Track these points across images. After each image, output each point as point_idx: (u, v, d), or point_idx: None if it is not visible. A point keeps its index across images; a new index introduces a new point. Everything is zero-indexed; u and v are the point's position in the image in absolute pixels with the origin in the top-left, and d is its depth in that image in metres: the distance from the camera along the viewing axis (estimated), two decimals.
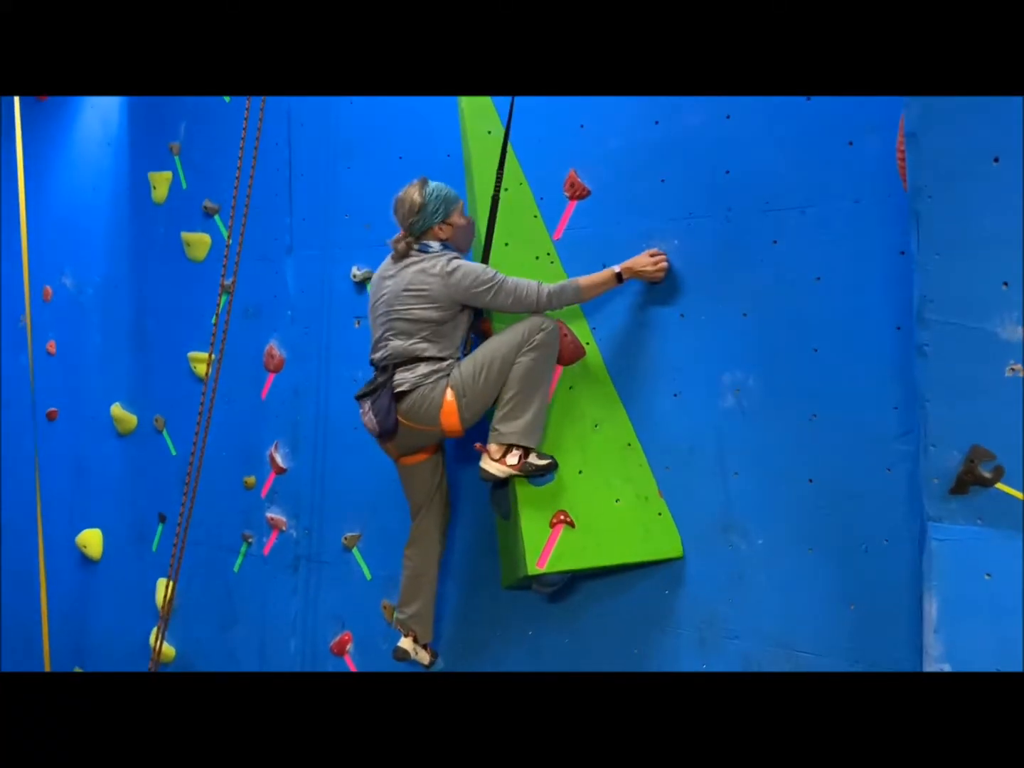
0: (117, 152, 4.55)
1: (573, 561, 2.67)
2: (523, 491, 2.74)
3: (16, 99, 4.72)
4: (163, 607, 3.77)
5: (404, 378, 2.70)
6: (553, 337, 2.70)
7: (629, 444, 2.80)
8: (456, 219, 2.79)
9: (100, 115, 4.65)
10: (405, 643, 2.99)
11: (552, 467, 2.70)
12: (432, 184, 2.78)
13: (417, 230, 2.76)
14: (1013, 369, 1.87)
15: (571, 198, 2.94)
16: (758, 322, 2.59)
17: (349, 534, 3.56)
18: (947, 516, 2.03)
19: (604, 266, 2.80)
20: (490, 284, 2.65)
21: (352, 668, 3.54)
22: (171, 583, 3.63)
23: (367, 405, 2.77)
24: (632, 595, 2.82)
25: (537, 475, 2.69)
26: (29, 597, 4.91)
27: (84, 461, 4.69)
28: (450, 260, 2.69)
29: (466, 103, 3.02)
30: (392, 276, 2.79)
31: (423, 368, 2.70)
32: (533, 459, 2.66)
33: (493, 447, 2.66)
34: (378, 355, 2.83)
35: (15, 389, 5.12)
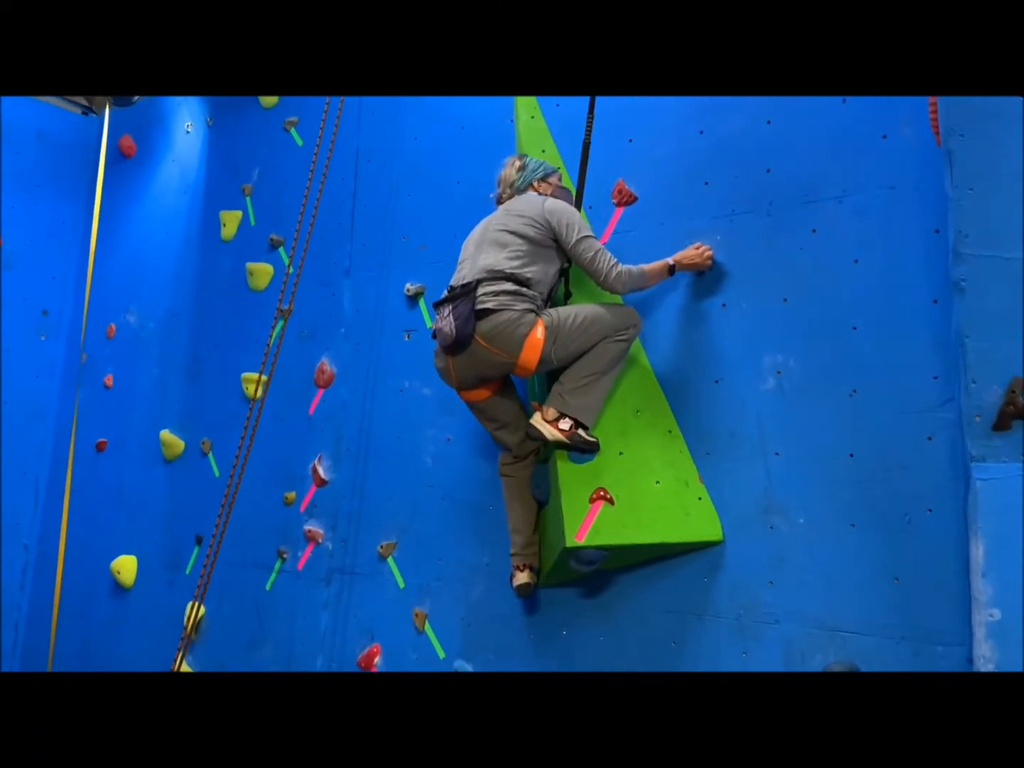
0: (192, 198, 4.89)
1: (611, 536, 2.66)
2: (564, 468, 2.77)
3: (101, 158, 5.15)
4: (187, 629, 3.75)
5: (489, 297, 2.66)
6: (635, 336, 2.80)
7: (670, 431, 2.84)
8: (554, 181, 2.96)
9: (180, 167, 5.03)
10: (526, 577, 2.91)
11: (596, 447, 2.74)
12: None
13: (519, 186, 2.92)
14: None
15: (618, 205, 3.12)
16: (798, 306, 2.68)
17: (385, 543, 3.57)
18: (990, 454, 2.03)
19: None
20: (580, 227, 2.73)
21: None
22: (197, 605, 3.63)
23: (447, 310, 2.73)
24: (669, 584, 2.79)
25: (581, 449, 2.72)
26: (59, 617, 4.89)
27: (126, 488, 4.77)
28: (548, 198, 2.85)
29: (520, 105, 3.31)
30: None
31: (509, 287, 2.67)
32: (582, 433, 2.71)
33: (551, 411, 2.71)
34: (462, 273, 2.82)
35: (68, 423, 5.29)
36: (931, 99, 2.19)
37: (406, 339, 3.71)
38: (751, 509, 2.67)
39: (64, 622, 4.86)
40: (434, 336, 2.83)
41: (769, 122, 2.82)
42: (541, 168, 2.93)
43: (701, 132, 2.96)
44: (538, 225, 2.74)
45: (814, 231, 2.68)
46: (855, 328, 2.56)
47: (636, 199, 3.08)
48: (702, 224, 2.91)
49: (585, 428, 2.72)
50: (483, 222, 2.90)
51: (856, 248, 2.59)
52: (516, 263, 2.72)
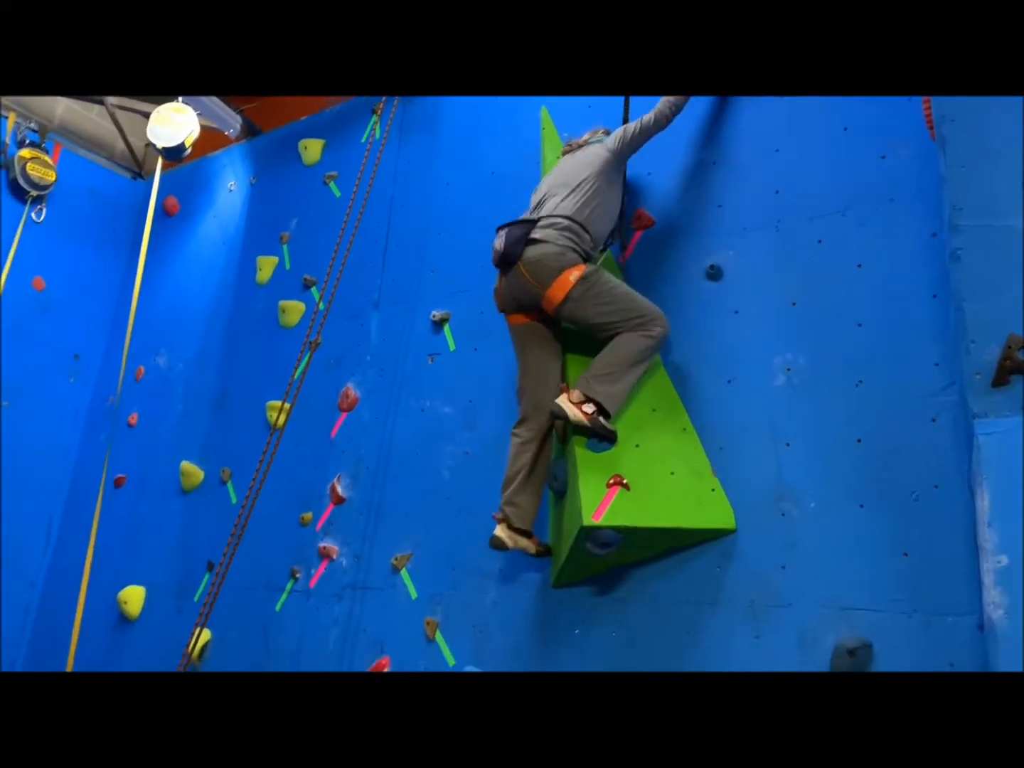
0: (231, 248, 5.18)
1: (627, 518, 2.73)
2: (583, 456, 2.87)
3: (150, 213, 5.47)
4: (187, 653, 3.73)
5: (543, 229, 2.91)
6: (662, 339, 2.91)
7: (684, 428, 2.96)
8: None
9: (220, 223, 5.35)
10: (500, 530, 2.96)
11: (614, 436, 2.86)
12: None
13: (591, 140, 3.23)
14: None
15: (637, 229, 3.35)
16: (806, 309, 2.86)
17: (399, 555, 3.61)
18: (991, 410, 2.15)
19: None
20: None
21: None
22: (200, 629, 3.64)
23: (504, 232, 2.97)
24: (682, 576, 2.84)
25: (599, 435, 2.83)
26: (59, 656, 4.82)
27: (141, 521, 4.82)
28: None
29: (547, 147, 3.60)
30: None
31: (564, 226, 2.91)
32: (603, 420, 2.83)
33: (577, 393, 2.84)
34: (530, 209, 3.08)
35: (87, 463, 5.39)
36: (924, 98, 2.44)
37: (429, 363, 3.88)
38: (763, 498, 2.75)
39: (66, 655, 4.79)
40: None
41: (777, 150, 3.09)
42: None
43: (714, 163, 3.24)
44: (602, 167, 3.01)
45: (820, 242, 2.90)
46: (860, 325, 2.73)
47: (654, 223, 3.32)
48: (715, 242, 3.13)
49: (607, 416, 2.85)
50: (556, 166, 3.18)
51: (859, 254, 2.80)
52: (579, 204, 2.96)
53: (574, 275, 2.86)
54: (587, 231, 2.96)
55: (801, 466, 2.72)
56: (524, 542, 2.99)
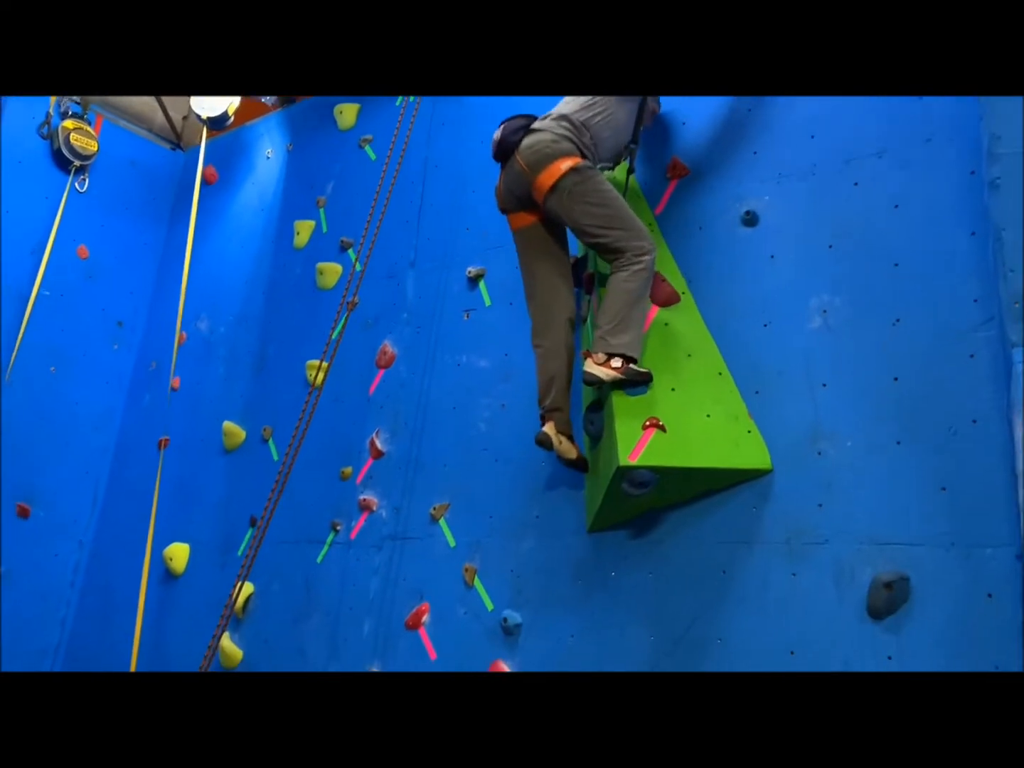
0: (268, 214, 5.26)
1: (663, 458, 2.76)
2: (618, 399, 2.91)
3: (197, 182, 5.56)
4: (227, 607, 3.82)
5: (543, 122, 3.00)
6: (652, 264, 2.92)
7: (720, 373, 2.98)
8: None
9: (259, 189, 5.43)
10: (548, 428, 3.03)
11: (649, 377, 2.89)
12: None
13: None
14: None
15: (672, 178, 3.36)
16: (842, 251, 2.86)
17: (437, 505, 3.68)
18: None
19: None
20: None
21: (425, 640, 3.50)
22: (241, 582, 3.73)
23: (503, 124, 3.05)
24: (717, 517, 2.87)
25: (636, 382, 2.87)
26: (108, 613, 4.98)
27: (185, 480, 4.94)
28: None
29: None
30: None
31: (566, 124, 2.97)
32: (634, 367, 2.87)
33: (600, 355, 2.87)
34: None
35: (131, 426, 5.53)
36: None
37: (465, 319, 3.93)
38: (799, 439, 2.77)
39: (114, 612, 4.95)
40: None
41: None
42: None
43: (749, 110, 3.23)
44: None
45: (856, 184, 2.89)
46: (896, 265, 2.73)
47: (689, 172, 3.32)
48: (751, 188, 3.14)
49: (635, 361, 2.88)
50: None
51: (896, 195, 2.79)
52: (583, 107, 3.02)
53: (566, 164, 2.89)
54: (588, 132, 3.00)
55: (838, 406, 2.73)
56: (567, 445, 3.05)
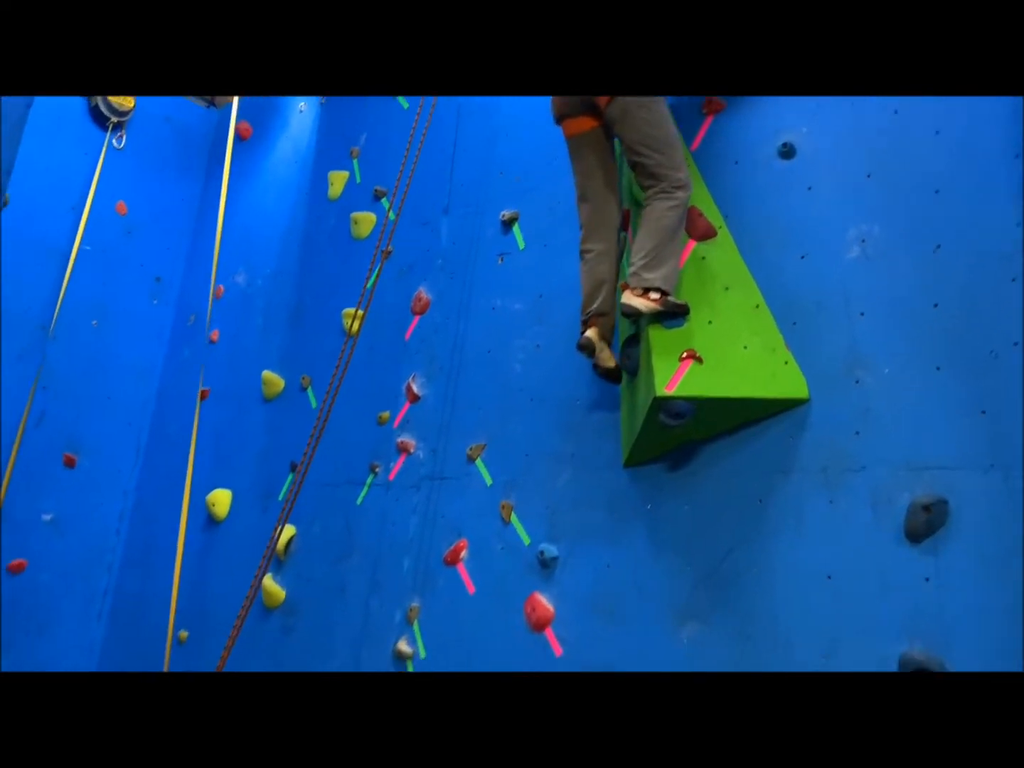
0: (302, 167, 5.30)
1: (700, 388, 2.78)
2: (655, 333, 2.92)
3: (230, 139, 5.60)
4: (268, 549, 3.91)
5: None
6: (686, 202, 2.96)
7: (757, 306, 2.98)
8: None
9: (293, 143, 5.48)
10: (591, 333, 3.05)
11: (686, 309, 2.90)
12: None
13: None
14: None
15: (708, 113, 3.34)
16: (882, 178, 2.83)
17: (474, 445, 3.73)
18: None
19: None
20: None
21: (464, 575, 3.57)
22: (282, 524, 3.82)
23: None
24: (754, 447, 2.88)
25: (674, 313, 2.88)
26: (152, 559, 5.12)
27: (226, 429, 5.05)
28: None
29: None
30: None
31: None
32: (672, 299, 2.88)
33: (637, 289, 2.89)
34: None
35: (171, 379, 5.65)
36: None
37: (499, 262, 3.95)
38: (836, 368, 2.77)
39: (159, 558, 5.10)
40: None
41: None
42: None
43: None
44: None
45: (896, 112, 2.86)
46: (937, 191, 2.69)
47: (724, 106, 3.30)
48: (787, 120, 3.11)
49: (672, 295, 2.89)
50: None
51: (937, 121, 2.75)
52: None
53: None
54: None
55: (876, 334, 2.72)
56: (608, 352, 3.08)
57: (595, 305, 3.07)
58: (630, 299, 2.88)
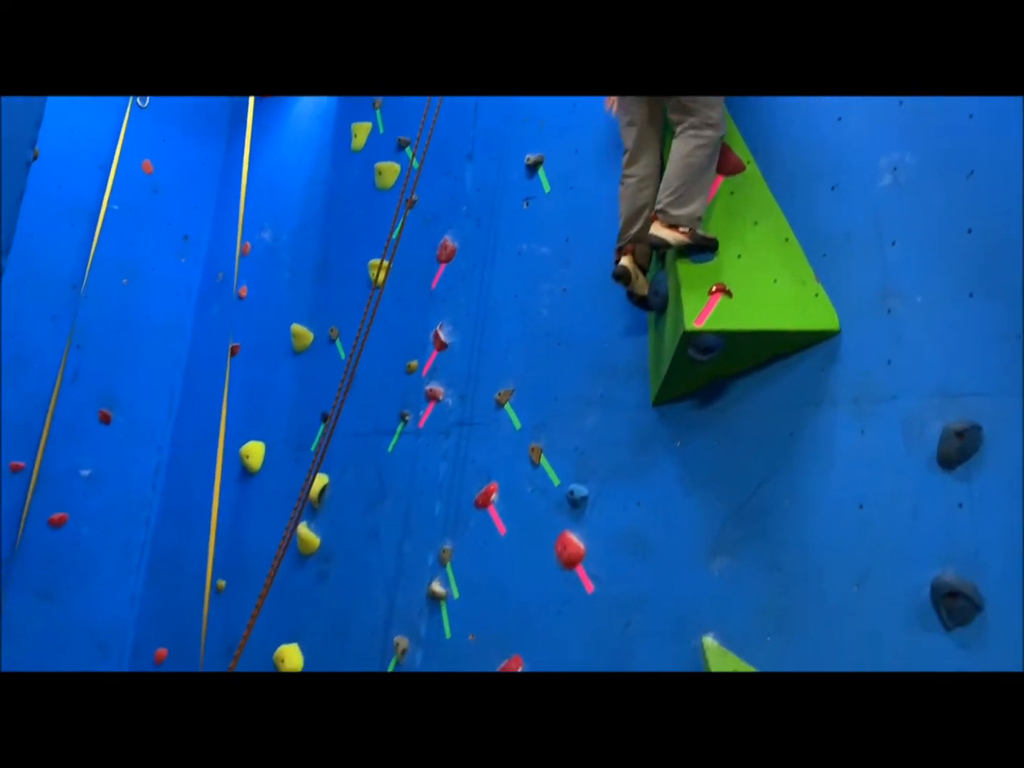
0: (324, 122, 5.30)
1: (730, 322, 2.78)
2: (684, 268, 2.92)
3: (251, 99, 5.61)
4: (301, 497, 3.97)
5: None
6: (717, 143, 2.94)
7: (787, 239, 2.95)
8: None
9: (315, 99, 5.46)
10: (627, 261, 3.05)
11: (715, 244, 2.89)
12: None
13: None
14: None
15: None
16: (913, 105, 2.77)
17: (502, 391, 3.76)
18: None
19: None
20: None
21: (495, 517, 3.62)
22: (313, 473, 3.87)
23: None
24: (784, 381, 2.87)
25: (702, 246, 2.87)
26: (188, 511, 5.23)
27: (258, 383, 5.12)
28: None
29: None
30: None
31: None
32: (701, 232, 2.87)
33: (666, 223, 2.88)
34: None
35: (202, 336, 5.71)
36: None
37: (525, 207, 3.93)
38: (868, 298, 2.74)
39: (194, 510, 5.20)
40: None
41: None
42: None
43: None
44: None
45: None
46: (971, 116, 2.64)
47: None
48: None
49: (700, 230, 2.87)
50: None
51: None
52: None
53: None
54: None
55: (908, 262, 2.68)
56: (643, 280, 3.08)
57: (633, 231, 3.05)
58: (659, 230, 2.87)
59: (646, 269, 3.09)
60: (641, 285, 3.07)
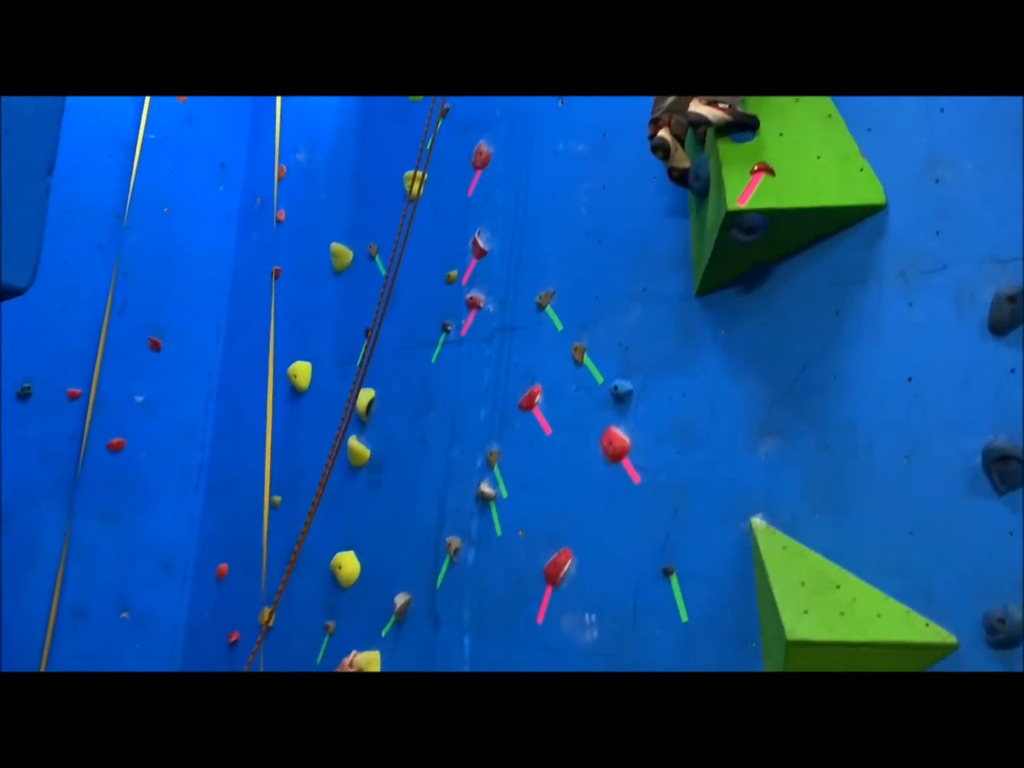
0: None
1: (773, 200, 2.73)
2: (725, 148, 2.86)
3: None
4: (347, 410, 4.04)
5: None
6: None
7: (829, 115, 2.88)
8: None
9: None
10: (664, 133, 2.98)
11: (757, 122, 2.82)
12: None
13: None
14: None
15: None
16: None
17: (543, 293, 3.76)
18: None
19: None
20: None
21: (540, 418, 3.66)
22: (356, 390, 3.92)
23: None
24: (828, 260, 2.83)
25: (743, 124, 2.81)
26: (241, 433, 5.37)
27: (301, 304, 5.18)
28: None
29: None
30: None
31: None
32: (741, 108, 2.81)
33: (705, 99, 2.81)
34: None
35: (243, 263, 5.78)
36: None
37: (560, 106, 3.87)
38: (915, 169, 2.67)
39: (246, 432, 5.33)
40: None
41: None
42: None
43: None
44: None
45: None
46: None
47: None
48: None
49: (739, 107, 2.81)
50: None
51: None
52: None
53: None
54: None
55: (957, 130, 2.60)
56: (682, 152, 3.02)
57: (668, 100, 2.99)
58: (698, 107, 2.81)
59: (683, 141, 3.03)
60: (681, 157, 3.00)
